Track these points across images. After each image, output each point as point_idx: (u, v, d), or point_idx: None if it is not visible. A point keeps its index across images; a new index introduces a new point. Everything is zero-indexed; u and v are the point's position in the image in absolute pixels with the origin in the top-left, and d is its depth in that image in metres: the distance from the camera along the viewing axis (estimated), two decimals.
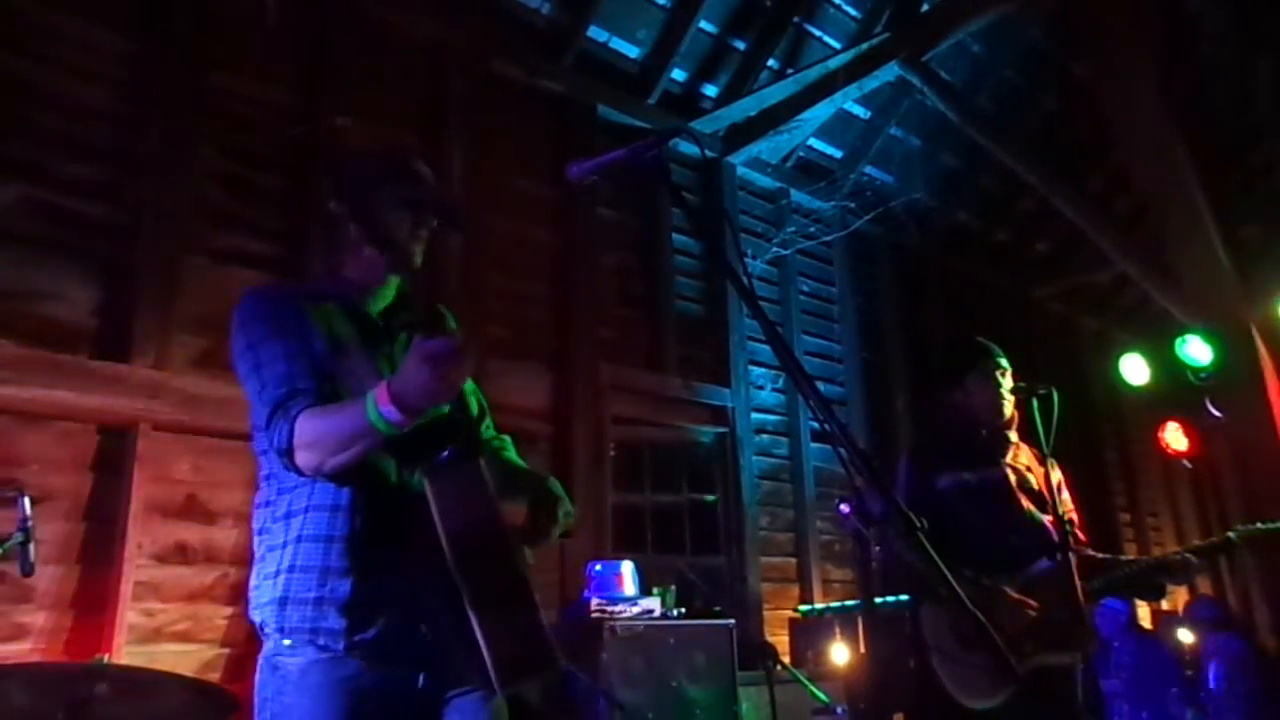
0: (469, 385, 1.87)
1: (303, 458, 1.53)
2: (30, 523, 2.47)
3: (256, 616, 1.63)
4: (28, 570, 2.45)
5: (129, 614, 3.21)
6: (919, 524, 1.31)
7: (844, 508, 1.41)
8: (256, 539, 1.69)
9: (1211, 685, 4.76)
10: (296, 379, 1.58)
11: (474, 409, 1.90)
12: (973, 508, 2.81)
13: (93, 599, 3.18)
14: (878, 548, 2.00)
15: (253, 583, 1.66)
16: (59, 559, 3.16)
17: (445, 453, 1.49)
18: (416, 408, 1.41)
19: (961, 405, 2.99)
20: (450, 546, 1.44)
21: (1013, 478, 2.90)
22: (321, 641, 1.54)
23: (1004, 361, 2.98)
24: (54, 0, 3.51)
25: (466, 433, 1.49)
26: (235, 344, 1.71)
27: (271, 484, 1.67)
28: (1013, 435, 2.99)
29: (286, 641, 1.56)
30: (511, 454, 1.91)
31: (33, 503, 2.53)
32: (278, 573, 1.60)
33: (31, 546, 2.45)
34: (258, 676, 1.61)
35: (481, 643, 1.44)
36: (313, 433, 1.51)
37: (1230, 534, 2.84)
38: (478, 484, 1.49)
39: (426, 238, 1.78)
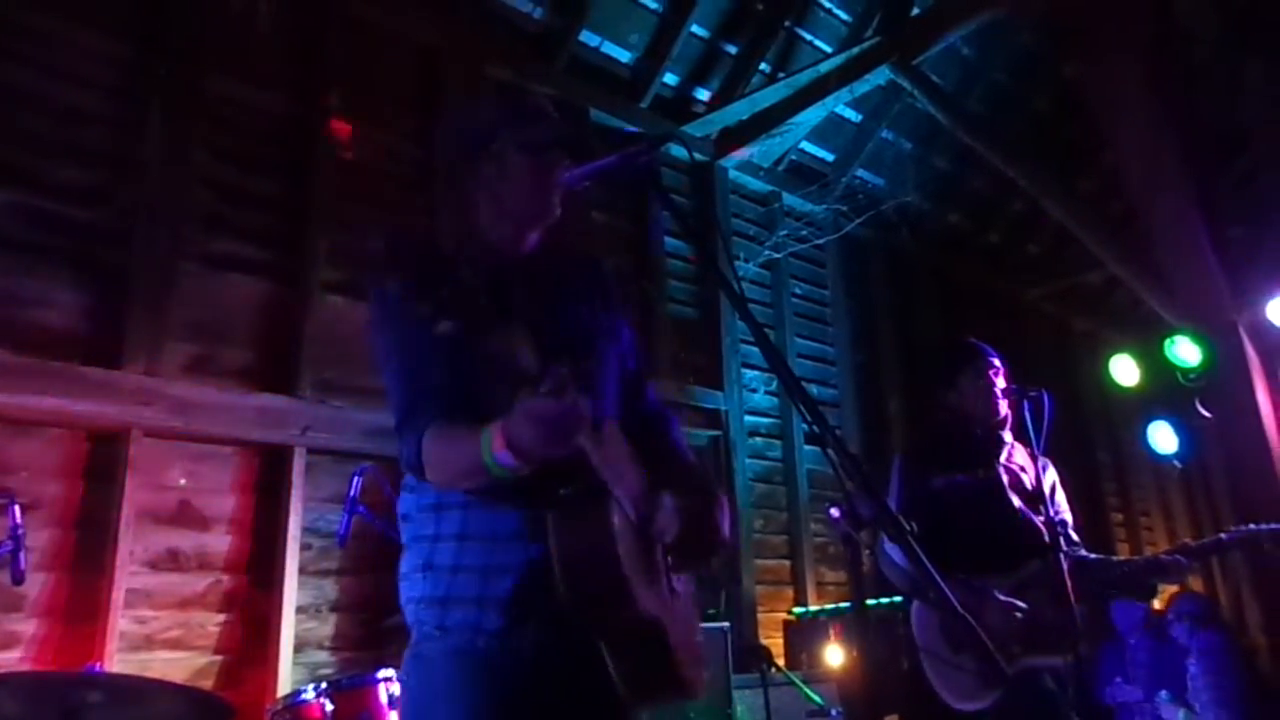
0: (628, 342, 1.77)
1: (432, 476, 1.48)
2: (21, 530, 2.48)
3: (411, 612, 1.55)
4: (18, 578, 2.46)
5: (121, 621, 3.19)
6: (908, 527, 1.32)
7: (834, 511, 1.42)
8: (400, 523, 1.61)
9: (1197, 683, 4.77)
10: (423, 384, 1.48)
11: (631, 366, 1.77)
12: (966, 508, 2.82)
13: (84, 607, 3.16)
14: (868, 551, 2.01)
15: (402, 570, 1.58)
16: (50, 567, 3.15)
17: (564, 490, 1.42)
18: (532, 458, 1.33)
19: (955, 406, 3.01)
20: (563, 582, 1.40)
21: (1006, 478, 2.91)
22: (481, 642, 1.46)
23: (996, 361, 3.00)
24: (45, 3, 3.50)
25: (590, 473, 1.39)
26: (370, 316, 1.58)
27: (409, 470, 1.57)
28: (1007, 435, 3.00)
29: (438, 631, 1.49)
30: (669, 437, 1.80)
31: (23, 510, 2.54)
32: (429, 567, 1.52)
33: (22, 554, 2.46)
34: (403, 670, 1.55)
35: (608, 661, 1.44)
36: (436, 457, 1.45)
37: (1223, 535, 2.85)
38: (601, 524, 1.41)
39: (561, 178, 1.61)
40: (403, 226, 1.73)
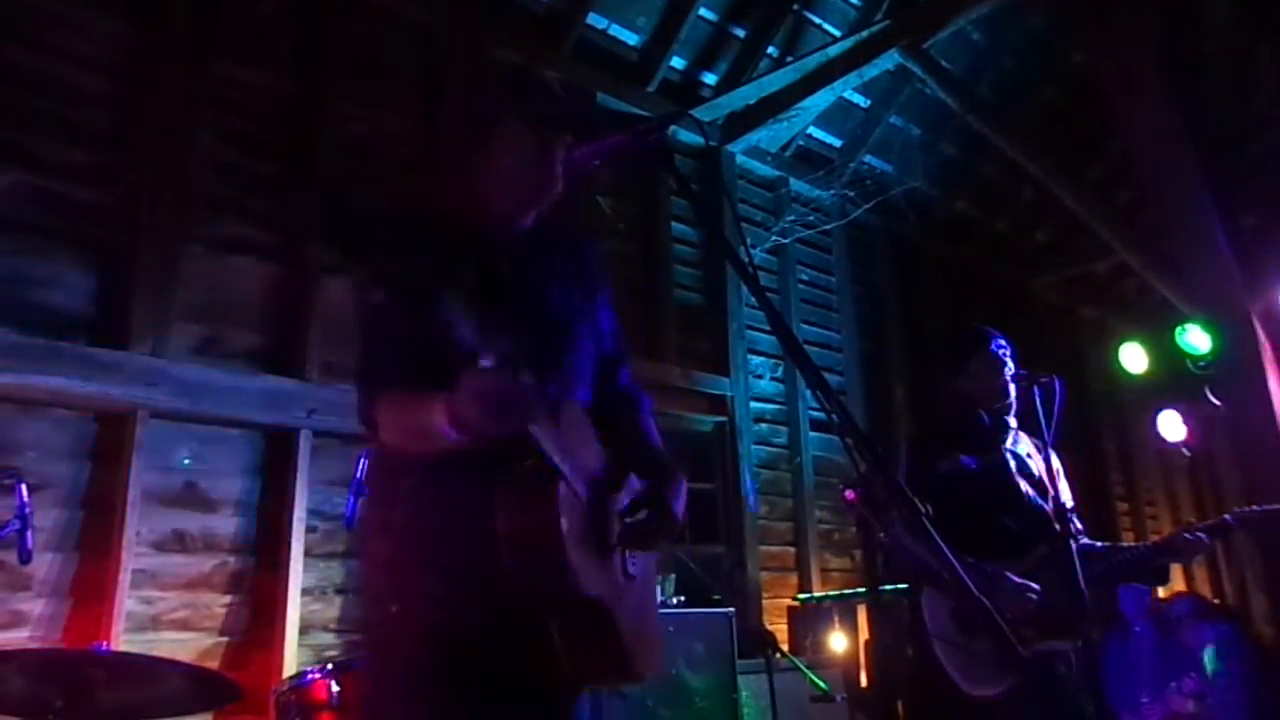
0: (607, 324, 1.79)
1: (385, 437, 1.51)
2: (28, 510, 2.47)
3: (368, 569, 1.58)
4: (26, 558, 2.45)
5: (127, 602, 3.20)
6: (923, 509, 1.30)
7: (849, 494, 1.40)
8: (365, 484, 1.67)
9: (1208, 672, 4.76)
10: (392, 342, 1.51)
11: (609, 348, 1.80)
12: (973, 493, 2.81)
13: (91, 587, 3.17)
14: (883, 534, 1.99)
15: (364, 530, 1.65)
16: (57, 546, 3.16)
17: (514, 467, 1.42)
18: (473, 433, 1.35)
19: (965, 391, 2.99)
20: (506, 559, 1.40)
21: (1013, 463, 2.90)
22: (430, 611, 1.47)
23: (1006, 346, 2.99)
24: None
25: (540, 456, 1.39)
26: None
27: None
28: (1012, 421, 2.99)
29: (394, 608, 1.49)
30: (638, 419, 1.80)
31: (30, 490, 2.53)
32: (386, 529, 1.54)
33: (29, 534, 2.45)
34: (364, 649, 1.57)
35: (554, 637, 1.43)
36: (389, 419, 1.49)
37: (1227, 516, 2.84)
38: (547, 504, 1.42)
39: (563, 156, 1.60)
40: (399, 201, 1.72)
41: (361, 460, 3.18)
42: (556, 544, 1.40)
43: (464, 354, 1.29)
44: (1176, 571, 6.88)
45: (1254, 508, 2.86)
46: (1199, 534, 2.76)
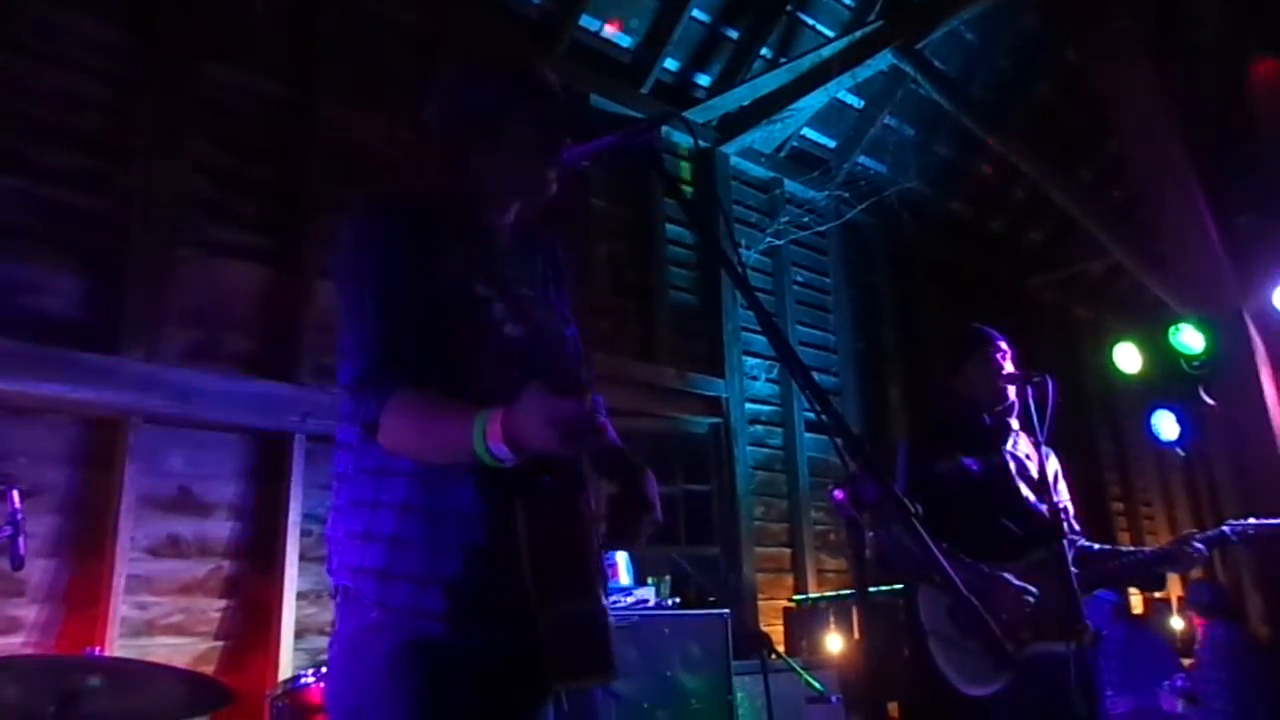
0: (574, 329, 1.74)
1: (387, 441, 1.39)
2: (21, 516, 2.46)
3: (347, 580, 1.45)
4: (18, 564, 2.44)
5: (121, 607, 3.20)
6: (913, 510, 1.30)
7: (838, 494, 1.40)
8: (335, 484, 1.52)
9: (1206, 673, 4.77)
10: (401, 338, 1.41)
11: (576, 351, 1.74)
12: (973, 494, 2.80)
13: (85, 593, 3.17)
14: (871, 534, 1.99)
15: (330, 533, 1.50)
16: (50, 553, 3.15)
17: (546, 478, 1.37)
18: (530, 453, 1.27)
19: (963, 392, 2.98)
20: (533, 572, 1.37)
21: (1012, 465, 2.90)
22: (422, 623, 1.40)
23: (1005, 346, 2.98)
24: None
25: (573, 464, 1.37)
26: (342, 263, 1.52)
27: (356, 426, 1.48)
28: (1014, 423, 2.98)
29: (374, 615, 1.41)
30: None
31: (23, 496, 2.52)
32: (368, 536, 1.45)
33: (22, 540, 2.44)
34: (334, 653, 1.46)
35: (548, 648, 1.39)
36: (404, 426, 1.38)
37: (1226, 529, 2.84)
38: (577, 516, 1.39)
39: (558, 161, 1.57)
40: (396, 189, 1.65)
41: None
42: (584, 558, 1.38)
43: (510, 357, 1.24)
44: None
45: (1252, 521, 2.85)
46: (1197, 545, 2.75)
